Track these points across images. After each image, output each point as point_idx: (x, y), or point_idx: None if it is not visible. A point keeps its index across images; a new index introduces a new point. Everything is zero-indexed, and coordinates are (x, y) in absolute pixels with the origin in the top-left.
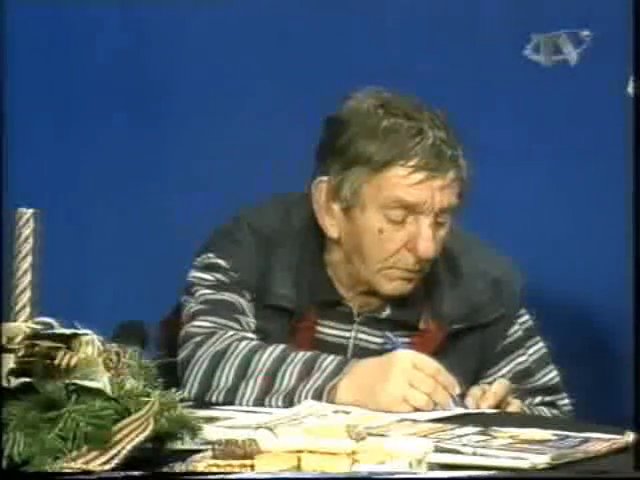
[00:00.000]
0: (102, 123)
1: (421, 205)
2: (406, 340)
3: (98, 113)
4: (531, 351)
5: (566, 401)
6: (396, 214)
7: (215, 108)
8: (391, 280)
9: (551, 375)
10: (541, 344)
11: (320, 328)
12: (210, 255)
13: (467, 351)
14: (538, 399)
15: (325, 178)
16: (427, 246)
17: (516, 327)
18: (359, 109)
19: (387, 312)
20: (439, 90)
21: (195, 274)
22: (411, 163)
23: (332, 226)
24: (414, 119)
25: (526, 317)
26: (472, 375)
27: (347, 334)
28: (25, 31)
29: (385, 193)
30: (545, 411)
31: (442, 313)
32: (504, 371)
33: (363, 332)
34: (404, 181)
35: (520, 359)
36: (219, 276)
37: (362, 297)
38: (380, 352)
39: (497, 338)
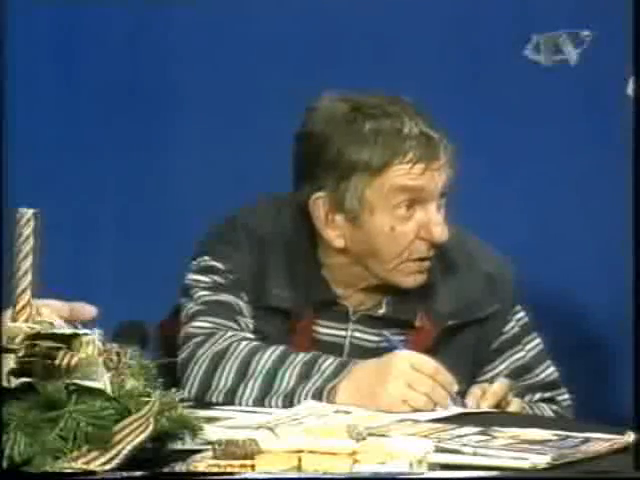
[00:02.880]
0: (103, 123)
1: (426, 190)
2: (402, 338)
3: (99, 113)
4: (528, 347)
5: (566, 396)
6: (403, 206)
7: (216, 110)
8: (408, 274)
9: (549, 371)
10: (538, 340)
11: (317, 328)
12: (206, 258)
13: (463, 348)
14: (538, 395)
15: (321, 193)
16: (440, 230)
17: (512, 324)
18: (334, 117)
19: (383, 310)
20: (439, 90)
21: (192, 277)
22: (408, 158)
23: (337, 237)
24: (393, 114)
25: (522, 314)
26: (469, 372)
27: (343, 333)
28: (27, 31)
29: (389, 188)
30: (545, 407)
31: (437, 309)
32: (501, 368)
33: (359, 330)
34: (406, 176)
35: (517, 355)
36: (216, 278)
37: (359, 295)
38: (376, 350)
39: (493, 335)
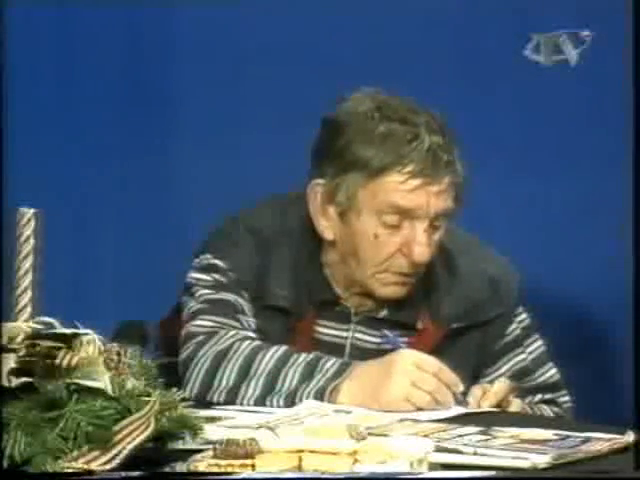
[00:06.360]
0: (103, 123)
1: (417, 210)
2: (404, 340)
3: (99, 113)
4: (530, 349)
5: (566, 398)
6: (391, 219)
7: (216, 109)
8: (385, 285)
9: (550, 373)
10: (540, 342)
11: (318, 328)
12: (208, 256)
13: (466, 350)
14: (538, 397)
15: (321, 181)
16: (422, 251)
17: (514, 326)
18: (356, 112)
19: (384, 312)
20: (438, 90)
21: (194, 275)
22: (407, 169)
23: (327, 228)
24: (410, 123)
25: (524, 316)
26: (471, 374)
27: (344, 334)
28: (27, 31)
29: (381, 198)
30: (546, 409)
31: (441, 312)
32: (503, 370)
33: (360, 332)
34: (400, 187)
35: (519, 357)
36: (217, 277)
37: (358, 297)
38: (377, 351)
39: (496, 337)
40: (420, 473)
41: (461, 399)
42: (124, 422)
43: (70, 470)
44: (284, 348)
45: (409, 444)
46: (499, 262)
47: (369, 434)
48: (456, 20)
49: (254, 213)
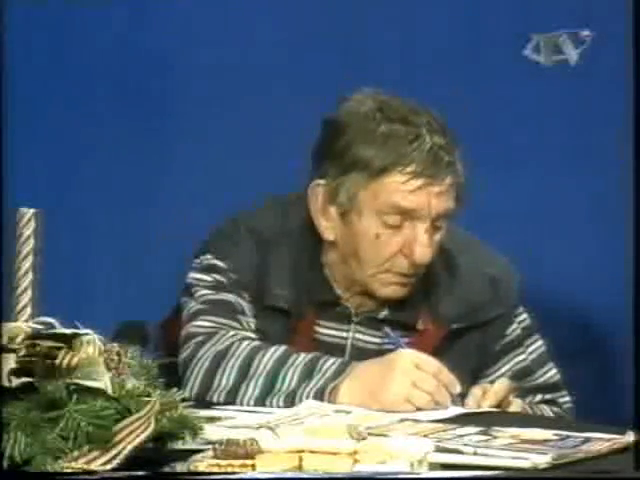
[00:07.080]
0: (103, 123)
1: (418, 211)
2: (405, 340)
3: (99, 113)
4: (530, 349)
5: (567, 398)
6: (393, 219)
7: (216, 109)
8: (386, 285)
9: (551, 373)
10: (540, 342)
11: (318, 328)
12: (208, 256)
13: (466, 351)
14: (538, 397)
15: (322, 181)
16: (423, 251)
17: (515, 326)
18: (357, 112)
19: (385, 312)
20: (438, 90)
21: (194, 275)
22: (409, 170)
23: (328, 229)
24: (412, 124)
25: (524, 316)
26: (471, 375)
27: (345, 334)
28: (25, 30)
29: (382, 199)
30: (546, 409)
31: (441, 313)
32: (503, 370)
33: (361, 332)
34: (401, 187)
35: (519, 358)
36: (218, 277)
37: (359, 298)
38: (378, 352)
39: (496, 337)
40: (420, 473)
41: (459, 401)
42: (124, 422)
43: (70, 470)
44: (283, 348)
45: (409, 444)
46: (499, 262)
47: (369, 434)
48: (456, 20)
49: (254, 214)
